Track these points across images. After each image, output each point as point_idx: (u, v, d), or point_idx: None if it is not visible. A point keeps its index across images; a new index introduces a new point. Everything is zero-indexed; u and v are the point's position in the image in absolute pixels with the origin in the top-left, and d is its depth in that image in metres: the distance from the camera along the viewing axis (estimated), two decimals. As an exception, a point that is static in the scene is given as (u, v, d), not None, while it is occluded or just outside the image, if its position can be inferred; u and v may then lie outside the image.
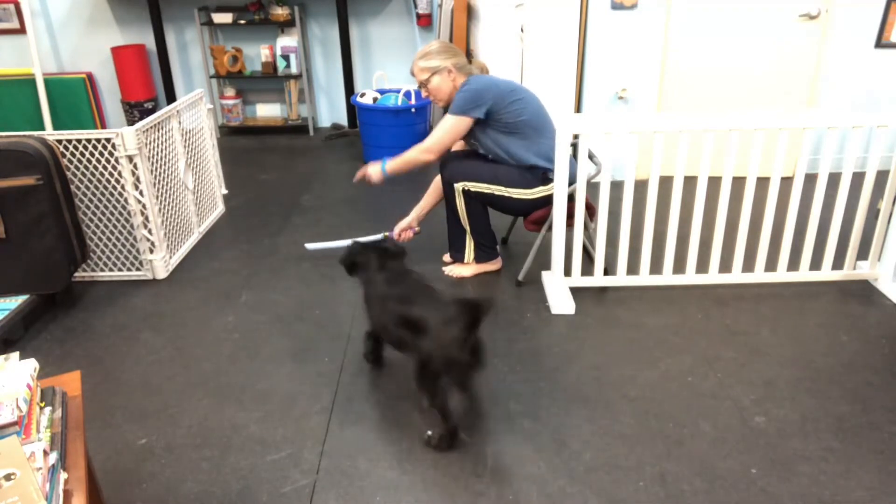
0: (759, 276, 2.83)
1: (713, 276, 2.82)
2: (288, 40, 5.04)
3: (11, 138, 2.53)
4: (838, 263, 2.89)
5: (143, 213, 2.88)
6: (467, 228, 2.85)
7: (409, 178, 4.28)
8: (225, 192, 3.98)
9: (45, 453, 1.17)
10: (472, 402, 2.11)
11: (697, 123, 2.48)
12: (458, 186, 2.74)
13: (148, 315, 2.71)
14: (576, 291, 2.78)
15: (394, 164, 2.74)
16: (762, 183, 3.77)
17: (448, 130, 2.64)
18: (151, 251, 2.96)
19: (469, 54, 2.76)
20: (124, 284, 2.96)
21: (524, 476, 1.85)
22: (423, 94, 2.77)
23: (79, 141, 2.74)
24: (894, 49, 3.88)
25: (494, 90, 2.61)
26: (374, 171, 2.77)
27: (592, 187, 3.06)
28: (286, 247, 3.30)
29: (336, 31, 5.13)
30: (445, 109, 2.73)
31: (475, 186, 2.73)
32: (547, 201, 2.74)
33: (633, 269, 2.86)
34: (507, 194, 2.73)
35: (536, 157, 2.68)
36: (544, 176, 2.70)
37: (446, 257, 3.09)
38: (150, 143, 2.89)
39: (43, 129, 4.95)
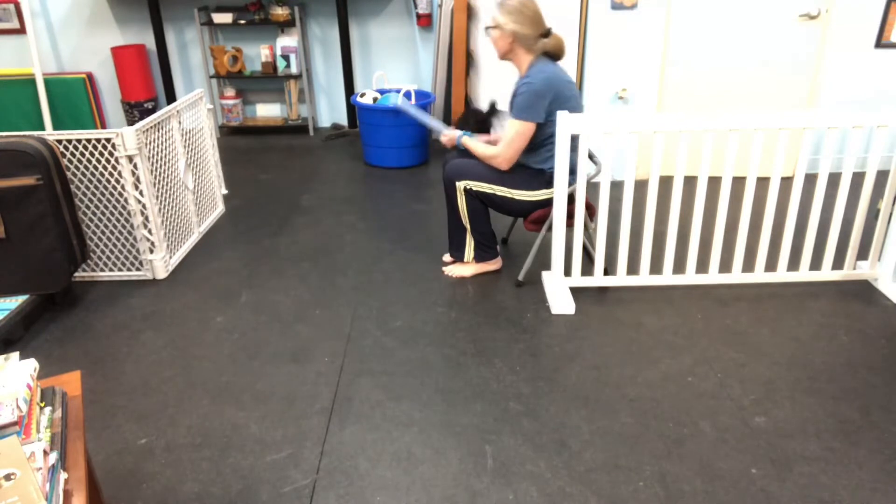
0: (759, 276, 2.83)
1: (713, 276, 2.82)
2: (288, 40, 5.04)
3: (11, 138, 2.53)
4: (838, 263, 2.89)
5: (143, 213, 2.88)
6: (468, 227, 2.85)
7: (408, 179, 4.29)
8: (225, 192, 3.98)
9: (45, 453, 1.17)
10: None
11: (697, 123, 2.48)
12: (461, 185, 2.74)
13: (148, 315, 2.71)
14: (576, 291, 2.78)
15: (470, 145, 2.75)
16: (762, 183, 3.77)
17: (514, 138, 2.58)
18: (151, 251, 2.96)
19: (548, 32, 2.62)
20: (124, 284, 2.96)
21: (524, 476, 1.85)
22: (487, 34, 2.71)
23: (79, 141, 2.74)
24: (894, 49, 3.89)
25: (551, 93, 2.52)
26: (451, 136, 2.81)
27: (592, 187, 3.06)
28: (286, 247, 3.30)
29: (336, 31, 5.14)
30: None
31: (477, 186, 2.73)
32: (549, 203, 2.73)
33: (633, 269, 2.86)
34: (509, 195, 2.73)
35: (551, 163, 2.66)
36: (549, 179, 2.69)
37: (446, 257, 3.10)
38: (150, 143, 2.89)
39: (43, 129, 4.95)
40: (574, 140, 2.63)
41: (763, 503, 1.75)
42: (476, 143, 2.74)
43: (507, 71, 4.12)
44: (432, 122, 2.99)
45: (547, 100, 2.52)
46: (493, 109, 3.19)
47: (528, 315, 2.65)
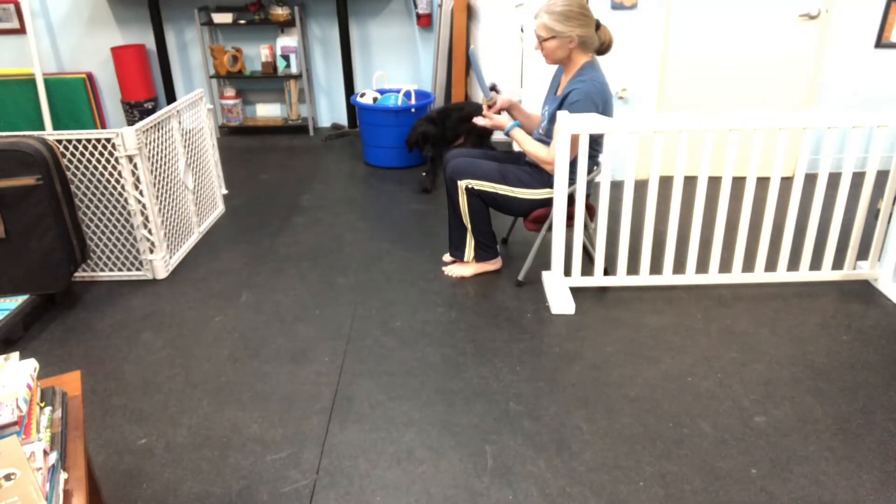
0: (759, 276, 2.83)
1: (713, 276, 2.82)
2: (288, 40, 5.04)
3: (11, 138, 2.53)
4: (838, 263, 2.89)
5: (143, 213, 2.88)
6: (468, 227, 2.85)
7: (408, 179, 4.28)
8: (225, 192, 3.98)
9: (45, 453, 1.17)
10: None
11: (697, 123, 2.48)
12: (462, 184, 2.74)
13: (148, 315, 2.71)
14: (576, 291, 2.78)
15: (518, 137, 2.64)
16: (762, 183, 3.77)
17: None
18: (151, 251, 2.96)
19: (598, 24, 2.60)
20: (124, 284, 2.96)
21: (524, 476, 1.85)
22: (535, 46, 2.60)
23: (79, 141, 2.74)
24: (894, 49, 3.88)
25: (602, 102, 2.51)
26: (501, 123, 2.68)
27: (592, 187, 3.06)
28: (286, 247, 3.30)
29: (336, 31, 5.13)
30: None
31: (479, 185, 2.73)
32: (550, 202, 2.73)
33: (633, 269, 2.86)
34: (511, 194, 2.72)
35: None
36: (550, 178, 2.68)
37: (446, 257, 3.10)
38: (150, 143, 2.89)
39: (43, 129, 4.95)
40: (597, 143, 2.63)
41: (763, 503, 1.75)
42: (527, 139, 2.64)
43: (507, 71, 4.12)
44: (485, 83, 2.83)
45: (599, 108, 2.50)
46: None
47: (528, 315, 2.65)
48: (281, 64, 5.10)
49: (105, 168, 2.80)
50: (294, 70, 5.11)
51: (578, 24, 2.49)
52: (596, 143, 2.63)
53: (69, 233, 2.67)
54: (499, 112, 2.81)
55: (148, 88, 5.14)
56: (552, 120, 2.62)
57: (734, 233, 3.14)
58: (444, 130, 4.14)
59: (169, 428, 2.06)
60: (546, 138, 2.68)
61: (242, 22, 4.94)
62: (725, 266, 2.90)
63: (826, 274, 2.84)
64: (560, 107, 2.56)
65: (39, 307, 2.68)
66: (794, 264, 2.89)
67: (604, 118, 2.46)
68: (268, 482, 1.85)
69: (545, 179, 2.69)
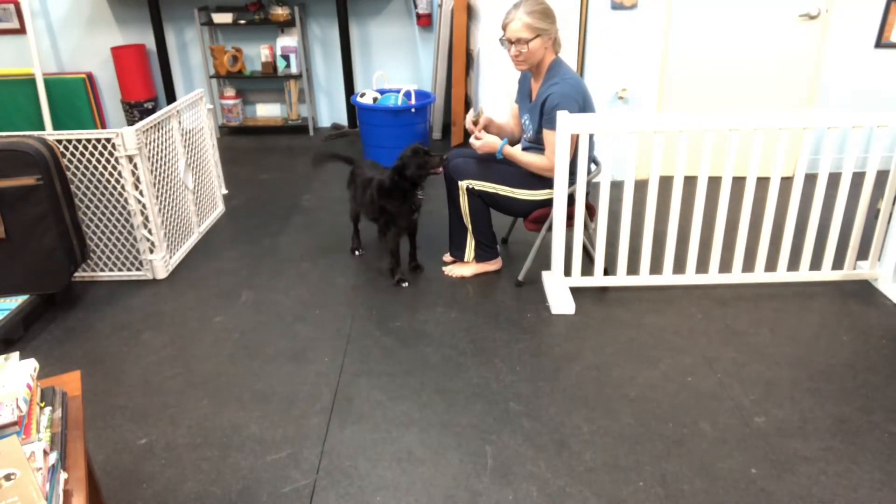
0: (759, 276, 2.83)
1: (713, 276, 2.82)
2: (288, 40, 5.04)
3: (11, 138, 2.53)
4: (838, 263, 2.89)
5: (143, 213, 2.88)
6: (469, 227, 2.85)
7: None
8: (225, 192, 3.98)
9: (45, 453, 1.17)
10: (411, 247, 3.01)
11: (697, 123, 2.48)
12: (463, 185, 2.74)
13: (148, 315, 2.71)
14: (576, 291, 2.78)
15: (511, 155, 2.63)
16: (762, 183, 3.77)
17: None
18: (151, 251, 2.96)
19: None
20: (124, 284, 2.96)
21: (524, 476, 1.85)
22: (514, 51, 2.51)
23: (79, 141, 2.74)
24: (894, 49, 3.88)
25: (581, 97, 2.50)
26: (493, 142, 2.63)
27: (592, 187, 3.06)
28: (286, 247, 3.30)
29: (336, 31, 5.13)
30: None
31: (480, 185, 2.73)
32: (550, 202, 2.73)
33: (633, 269, 2.85)
34: (511, 195, 2.72)
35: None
36: (551, 179, 2.68)
37: (446, 257, 3.09)
38: (150, 143, 2.89)
39: (43, 129, 4.95)
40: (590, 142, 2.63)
41: (763, 503, 1.75)
42: (522, 153, 2.66)
43: (506, 70, 4.12)
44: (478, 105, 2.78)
45: (580, 105, 2.50)
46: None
47: (528, 315, 2.65)
48: (281, 64, 5.10)
49: (105, 168, 2.79)
50: (294, 70, 5.11)
51: (552, 22, 2.52)
52: (589, 142, 2.63)
53: (69, 233, 2.67)
54: (485, 129, 2.77)
55: (148, 88, 5.14)
56: (539, 129, 2.63)
57: (734, 233, 3.14)
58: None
59: (169, 428, 2.06)
60: (537, 145, 2.69)
61: (242, 22, 4.94)
62: (725, 266, 2.90)
63: (826, 274, 2.84)
64: (542, 113, 2.56)
65: (39, 307, 2.68)
66: (794, 264, 2.88)
67: (593, 115, 2.46)
68: (268, 482, 1.85)
69: (545, 180, 2.69)
